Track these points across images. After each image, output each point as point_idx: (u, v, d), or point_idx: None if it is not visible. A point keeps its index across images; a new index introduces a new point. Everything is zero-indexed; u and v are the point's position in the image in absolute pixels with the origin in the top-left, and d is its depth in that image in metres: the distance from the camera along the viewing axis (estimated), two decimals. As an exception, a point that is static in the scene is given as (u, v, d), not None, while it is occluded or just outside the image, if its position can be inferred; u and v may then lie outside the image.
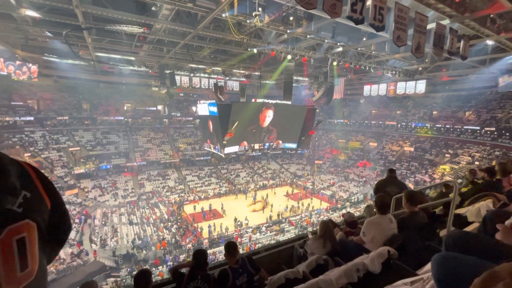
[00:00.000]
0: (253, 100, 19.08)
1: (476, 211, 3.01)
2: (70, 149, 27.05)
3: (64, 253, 15.72)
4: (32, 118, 26.44)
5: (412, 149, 30.59)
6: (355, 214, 4.85)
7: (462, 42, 11.36)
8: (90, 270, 14.11)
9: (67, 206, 0.81)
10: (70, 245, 16.92)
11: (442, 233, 2.98)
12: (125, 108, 33.19)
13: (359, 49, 17.24)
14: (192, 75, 25.38)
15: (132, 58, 22.00)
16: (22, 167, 0.66)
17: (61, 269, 14.33)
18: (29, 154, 23.82)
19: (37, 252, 0.62)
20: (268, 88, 31.59)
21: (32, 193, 0.63)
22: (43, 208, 0.67)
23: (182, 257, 17.11)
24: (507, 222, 1.37)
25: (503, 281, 0.56)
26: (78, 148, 27.64)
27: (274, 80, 28.74)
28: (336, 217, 22.06)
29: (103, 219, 21.42)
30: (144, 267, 14.46)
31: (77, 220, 20.13)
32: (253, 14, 10.78)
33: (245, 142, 19.60)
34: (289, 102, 19.64)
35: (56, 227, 0.72)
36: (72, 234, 17.92)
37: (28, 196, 0.62)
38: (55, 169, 24.24)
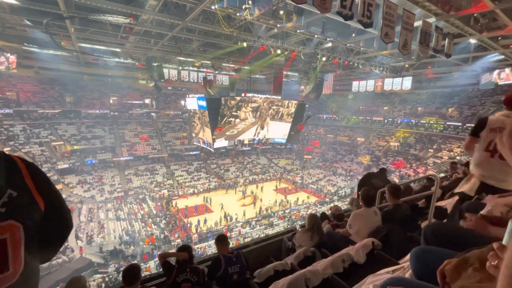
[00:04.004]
0: (243, 94, 18.99)
1: (455, 203, 3.15)
2: (52, 143, 26.10)
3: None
4: (11, 111, 25.22)
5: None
6: (342, 208, 4.97)
7: (447, 40, 11.69)
8: (76, 266, 13.83)
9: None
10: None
11: (424, 224, 3.10)
12: (111, 101, 32.20)
13: (348, 45, 17.41)
14: (180, 68, 24.87)
15: (118, 50, 21.29)
16: (13, 162, 0.62)
17: (46, 266, 13.93)
18: (9, 148, 22.76)
19: (22, 254, 0.58)
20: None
21: (19, 192, 0.60)
22: (33, 207, 0.63)
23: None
24: (481, 212, 1.46)
25: (472, 266, 0.62)
26: (62, 143, 26.72)
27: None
28: (324, 210, 22.47)
29: (89, 215, 20.94)
30: (133, 262, 14.32)
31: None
32: (243, 7, 10.66)
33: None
34: (279, 97, 19.71)
35: (52, 226, 0.69)
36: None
37: (14, 195, 0.58)
38: (37, 165, 23.37)
